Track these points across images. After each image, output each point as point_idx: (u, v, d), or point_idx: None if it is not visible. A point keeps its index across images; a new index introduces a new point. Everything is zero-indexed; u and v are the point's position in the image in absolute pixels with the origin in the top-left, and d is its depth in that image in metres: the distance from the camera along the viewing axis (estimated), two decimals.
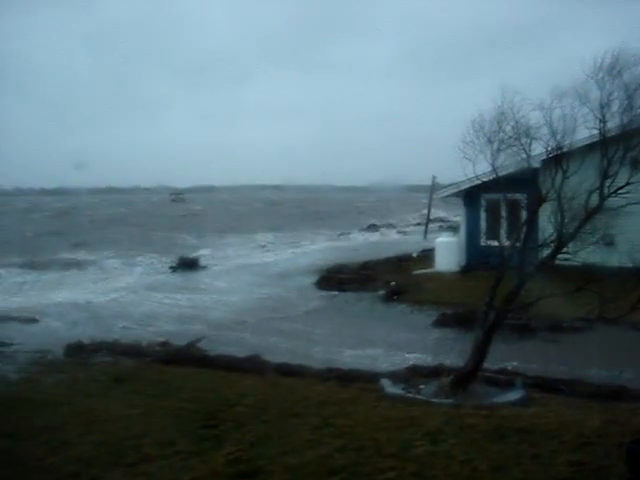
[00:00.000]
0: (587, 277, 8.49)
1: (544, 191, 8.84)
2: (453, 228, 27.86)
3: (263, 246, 40.67)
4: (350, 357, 12.28)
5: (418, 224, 52.99)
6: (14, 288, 23.56)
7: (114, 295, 21.22)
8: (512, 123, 8.88)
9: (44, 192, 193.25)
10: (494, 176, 9.36)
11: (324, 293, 20.37)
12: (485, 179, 9.94)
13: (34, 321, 16.52)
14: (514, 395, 8.86)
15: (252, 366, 10.82)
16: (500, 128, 8.95)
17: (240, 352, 11.81)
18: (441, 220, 51.80)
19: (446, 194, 24.18)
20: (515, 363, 11.07)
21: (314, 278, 22.49)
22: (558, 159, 8.77)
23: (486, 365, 9.30)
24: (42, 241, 41.87)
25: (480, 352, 8.89)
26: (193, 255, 31.35)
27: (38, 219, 69.06)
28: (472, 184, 19.17)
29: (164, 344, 12.70)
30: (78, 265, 30.38)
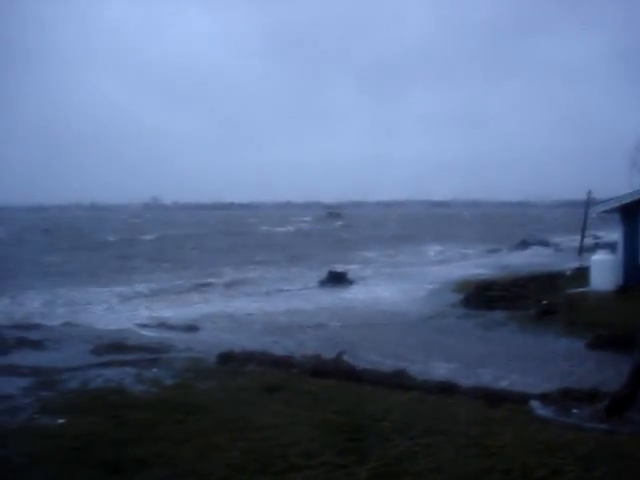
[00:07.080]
0: None
1: None
2: (610, 246, 26.61)
3: (414, 261, 40.60)
4: (497, 377, 11.99)
5: (572, 241, 51.18)
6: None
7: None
8: None
9: (201, 207, 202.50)
10: None
11: (471, 312, 20.00)
12: None
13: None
14: None
15: (398, 381, 10.80)
16: None
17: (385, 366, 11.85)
18: (597, 237, 49.71)
19: (603, 209, 23.23)
20: None
21: (462, 295, 22.16)
22: None
23: None
24: None
25: (638, 376, 8.45)
26: (342, 269, 31.79)
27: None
28: (632, 199, 18.41)
29: (314, 357, 12.92)
30: None
